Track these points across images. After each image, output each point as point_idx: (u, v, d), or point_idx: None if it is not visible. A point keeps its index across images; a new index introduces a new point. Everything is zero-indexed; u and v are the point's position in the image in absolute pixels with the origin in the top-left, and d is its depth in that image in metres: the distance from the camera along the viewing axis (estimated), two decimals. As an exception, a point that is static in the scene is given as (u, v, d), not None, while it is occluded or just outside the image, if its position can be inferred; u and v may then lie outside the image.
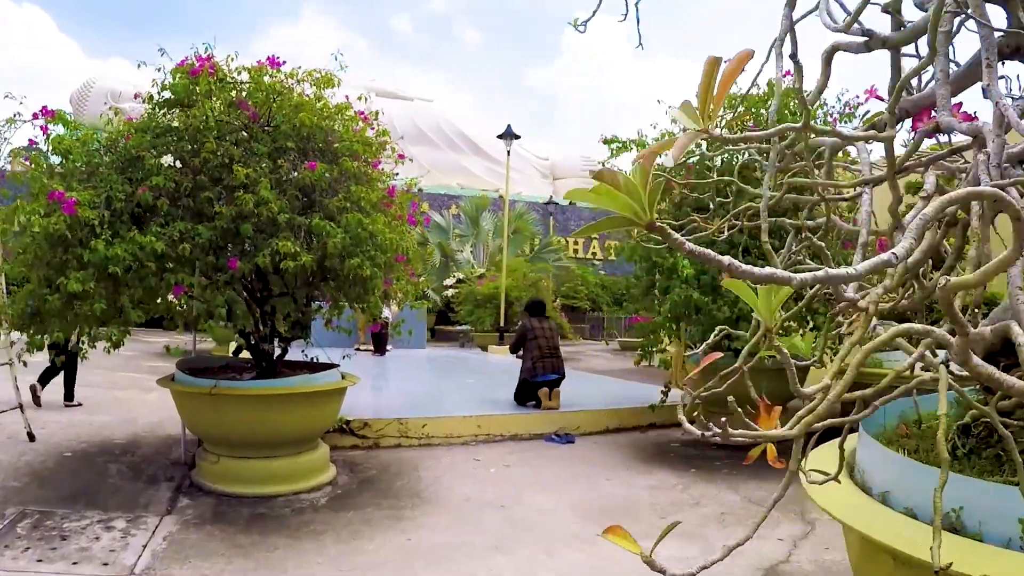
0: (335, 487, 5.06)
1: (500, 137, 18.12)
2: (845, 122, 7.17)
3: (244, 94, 4.77)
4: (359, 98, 4.94)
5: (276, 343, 5.15)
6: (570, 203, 42.19)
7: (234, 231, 4.43)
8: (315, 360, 5.73)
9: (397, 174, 5.28)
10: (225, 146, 4.47)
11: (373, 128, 4.93)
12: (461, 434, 6.79)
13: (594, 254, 39.75)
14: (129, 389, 9.15)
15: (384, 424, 6.51)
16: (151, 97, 4.86)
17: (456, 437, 6.75)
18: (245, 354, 6.98)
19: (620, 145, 7.47)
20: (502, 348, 17.53)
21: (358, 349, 15.00)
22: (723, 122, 7.39)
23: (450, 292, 23.72)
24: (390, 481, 5.26)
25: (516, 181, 29.62)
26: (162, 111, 4.84)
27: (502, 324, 18.80)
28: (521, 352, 7.88)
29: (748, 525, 4.69)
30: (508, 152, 18.46)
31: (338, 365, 5.50)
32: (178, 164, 4.51)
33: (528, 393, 7.68)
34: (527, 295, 20.06)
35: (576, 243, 38.69)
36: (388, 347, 15.55)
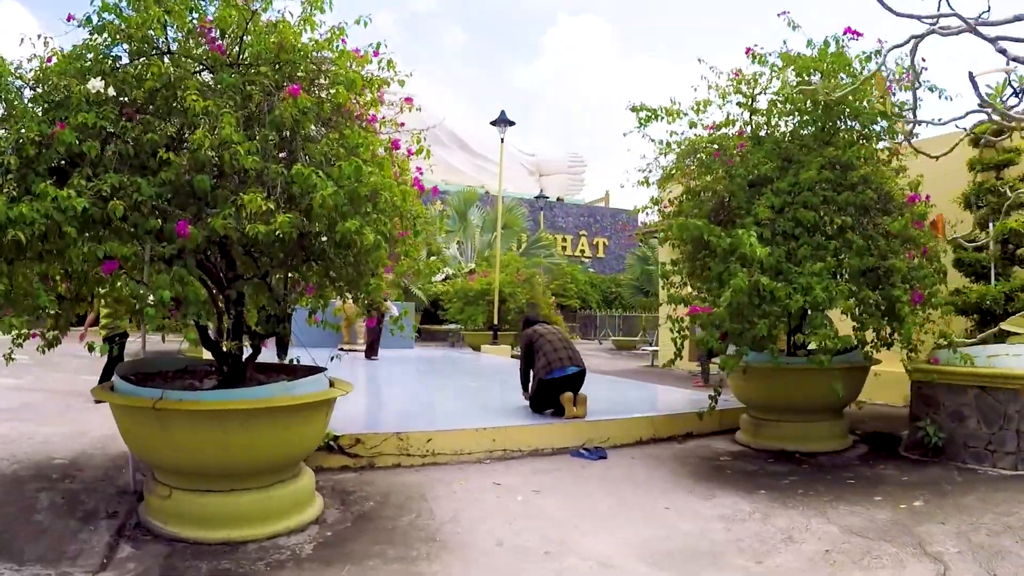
0: (323, 527, 3.90)
1: (493, 124, 17.05)
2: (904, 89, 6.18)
3: (209, 18, 3.60)
4: (356, 21, 3.75)
5: (245, 340, 3.95)
6: (558, 199, 41.37)
7: (187, 187, 3.26)
8: (296, 362, 4.57)
9: (403, 125, 4.14)
10: (178, 73, 3.31)
11: (376, 55, 3.73)
12: (473, 450, 5.65)
13: (582, 251, 38.94)
14: (87, 395, 7.93)
15: (380, 440, 5.35)
16: (88, 20, 3.69)
17: (467, 454, 5.61)
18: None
19: (649, 113, 6.66)
20: (496, 347, 16.47)
21: (342, 350, 13.69)
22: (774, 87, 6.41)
23: (439, 288, 22.68)
24: (394, 517, 4.10)
25: (503, 177, 28.66)
26: (101, 37, 3.67)
27: (495, 322, 17.65)
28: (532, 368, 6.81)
29: (864, 566, 3.52)
30: (502, 140, 17.34)
31: (325, 368, 4.35)
32: (112, 93, 3.30)
33: (547, 399, 6.55)
34: (521, 291, 19.05)
35: (564, 240, 37.90)
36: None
